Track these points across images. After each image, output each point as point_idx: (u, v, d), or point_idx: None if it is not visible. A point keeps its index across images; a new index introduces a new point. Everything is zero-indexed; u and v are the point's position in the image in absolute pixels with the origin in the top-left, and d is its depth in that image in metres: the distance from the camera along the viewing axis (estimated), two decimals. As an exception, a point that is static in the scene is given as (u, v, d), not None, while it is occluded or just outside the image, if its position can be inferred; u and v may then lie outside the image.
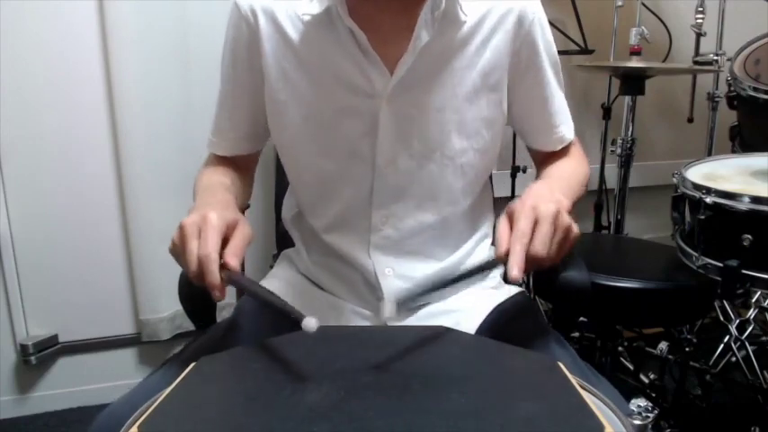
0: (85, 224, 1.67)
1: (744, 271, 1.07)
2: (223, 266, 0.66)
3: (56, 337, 1.72)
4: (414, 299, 0.74)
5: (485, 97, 0.86)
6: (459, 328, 0.78)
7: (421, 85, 0.83)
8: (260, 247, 1.61)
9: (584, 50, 1.77)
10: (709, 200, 1.11)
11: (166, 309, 1.72)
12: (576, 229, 0.71)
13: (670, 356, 1.50)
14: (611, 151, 1.88)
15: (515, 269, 0.65)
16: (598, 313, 1.32)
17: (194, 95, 1.63)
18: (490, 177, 1.02)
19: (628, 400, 0.58)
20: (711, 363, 1.54)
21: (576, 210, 0.84)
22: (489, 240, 1.00)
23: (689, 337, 1.57)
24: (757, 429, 1.35)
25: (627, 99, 1.87)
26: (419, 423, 0.49)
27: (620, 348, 1.62)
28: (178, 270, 0.74)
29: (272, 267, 1.05)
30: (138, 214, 1.65)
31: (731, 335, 1.58)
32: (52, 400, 1.76)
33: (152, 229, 1.65)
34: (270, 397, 0.55)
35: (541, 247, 0.67)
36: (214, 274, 0.64)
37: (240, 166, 0.97)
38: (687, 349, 1.53)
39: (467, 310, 0.89)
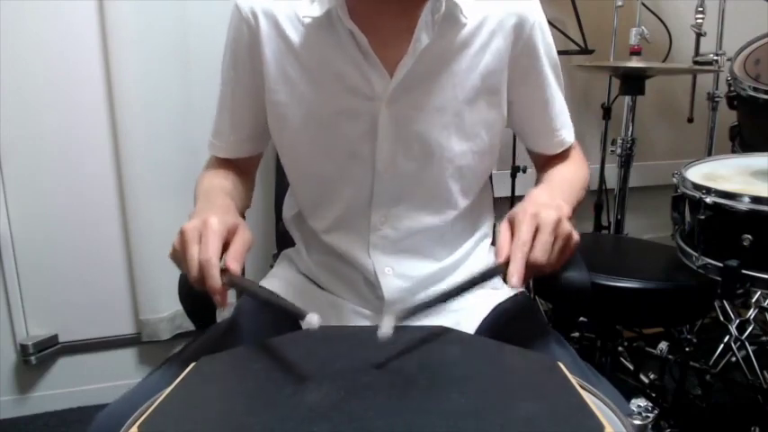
0: (85, 224, 1.67)
1: (744, 271, 1.07)
2: (224, 271, 0.66)
3: (56, 337, 1.72)
4: (414, 312, 0.70)
5: (484, 100, 0.86)
6: (459, 328, 0.78)
7: (421, 88, 0.83)
8: (260, 247, 1.61)
9: (584, 50, 1.77)
10: (709, 200, 1.11)
11: (166, 309, 1.72)
12: (576, 236, 0.72)
13: (670, 356, 1.51)
14: (611, 151, 1.88)
15: (515, 277, 0.66)
16: (598, 313, 1.32)
17: (194, 95, 1.64)
18: (490, 177, 1.02)
19: (628, 400, 0.58)
20: (711, 363, 1.54)
21: (576, 211, 0.84)
22: (489, 240, 1.00)
23: (689, 337, 1.57)
24: (757, 429, 1.35)
25: (627, 99, 1.87)
26: (419, 423, 0.49)
27: (620, 348, 1.62)
28: (178, 270, 0.74)
29: (272, 267, 1.06)
30: (138, 214, 1.65)
31: (731, 335, 1.58)
32: (52, 400, 1.76)
33: (152, 229, 1.65)
34: (270, 397, 0.55)
35: (542, 254, 0.67)
36: (215, 279, 0.65)
37: (241, 168, 0.97)
38: (687, 349, 1.53)
39: (467, 310, 0.89)
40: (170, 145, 1.65)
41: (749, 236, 1.06)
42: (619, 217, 1.91)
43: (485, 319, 0.88)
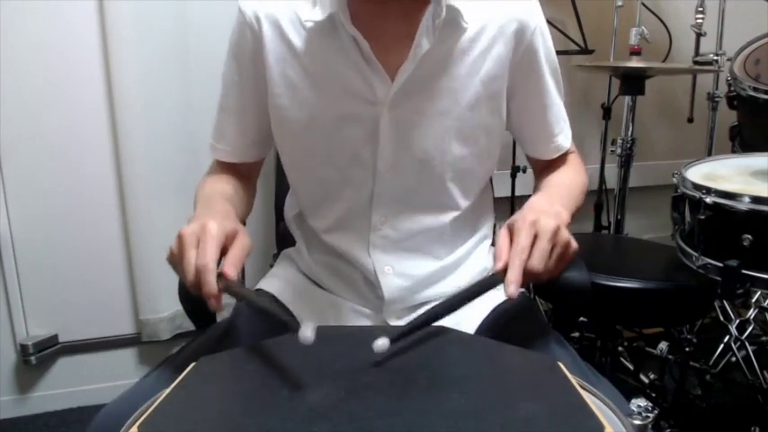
0: (85, 224, 1.67)
1: (744, 271, 1.07)
2: (221, 276, 0.66)
3: (56, 337, 1.72)
4: (408, 332, 0.69)
5: (485, 105, 0.86)
6: (459, 328, 0.78)
7: (422, 92, 0.83)
8: (260, 246, 1.61)
9: (584, 50, 1.77)
10: (709, 200, 1.11)
11: (166, 309, 1.72)
12: (574, 244, 0.72)
13: (670, 356, 1.50)
14: (611, 151, 1.88)
15: (512, 286, 0.66)
16: (598, 313, 1.32)
17: (194, 95, 1.64)
18: (490, 178, 1.02)
19: (628, 400, 0.58)
20: (711, 363, 1.54)
21: (575, 216, 0.84)
22: (489, 241, 1.00)
23: (689, 337, 1.57)
24: (757, 429, 1.35)
25: (627, 99, 1.87)
26: (419, 423, 0.49)
27: (620, 348, 1.62)
28: (178, 270, 0.74)
29: (272, 267, 1.06)
30: (138, 214, 1.65)
31: (731, 335, 1.58)
32: (52, 400, 1.76)
33: (152, 229, 1.65)
34: (269, 397, 0.55)
35: (539, 262, 0.68)
36: (211, 284, 0.64)
37: (244, 174, 0.97)
38: (687, 349, 1.53)
39: (467, 310, 0.89)
40: (170, 145, 1.64)
41: (749, 236, 1.06)
42: (619, 217, 1.91)
43: (485, 319, 0.88)
